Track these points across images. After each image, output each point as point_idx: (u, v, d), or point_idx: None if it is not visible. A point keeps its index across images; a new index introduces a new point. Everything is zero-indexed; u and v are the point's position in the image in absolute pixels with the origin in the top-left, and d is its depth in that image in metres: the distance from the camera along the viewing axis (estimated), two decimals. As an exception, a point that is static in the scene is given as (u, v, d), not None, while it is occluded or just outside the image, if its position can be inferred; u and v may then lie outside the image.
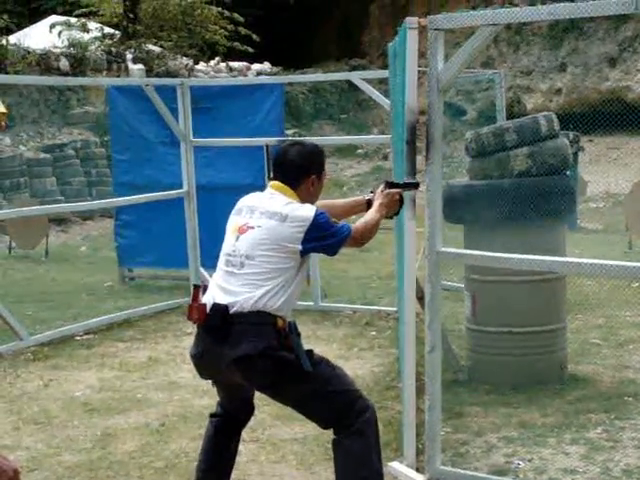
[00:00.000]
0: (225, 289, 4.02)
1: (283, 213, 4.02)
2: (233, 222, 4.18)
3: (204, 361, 4.08)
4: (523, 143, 6.27)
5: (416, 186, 4.46)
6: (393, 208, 4.35)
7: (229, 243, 4.12)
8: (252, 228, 4.05)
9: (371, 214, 4.27)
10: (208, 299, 4.05)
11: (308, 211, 4.03)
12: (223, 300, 3.98)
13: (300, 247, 3.99)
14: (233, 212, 4.23)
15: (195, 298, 4.08)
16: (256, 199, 4.19)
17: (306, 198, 4.16)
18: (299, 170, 4.17)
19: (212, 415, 4.38)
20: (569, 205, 6.53)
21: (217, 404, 4.39)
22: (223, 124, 9.73)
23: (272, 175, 4.27)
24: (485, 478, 4.63)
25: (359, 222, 4.19)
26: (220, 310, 3.96)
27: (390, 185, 4.36)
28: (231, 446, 4.36)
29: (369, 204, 4.44)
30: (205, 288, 4.14)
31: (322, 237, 4.03)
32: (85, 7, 23.47)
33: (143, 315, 9.05)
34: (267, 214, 4.05)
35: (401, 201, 4.37)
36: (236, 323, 3.94)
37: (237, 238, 4.08)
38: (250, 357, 3.90)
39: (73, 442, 5.58)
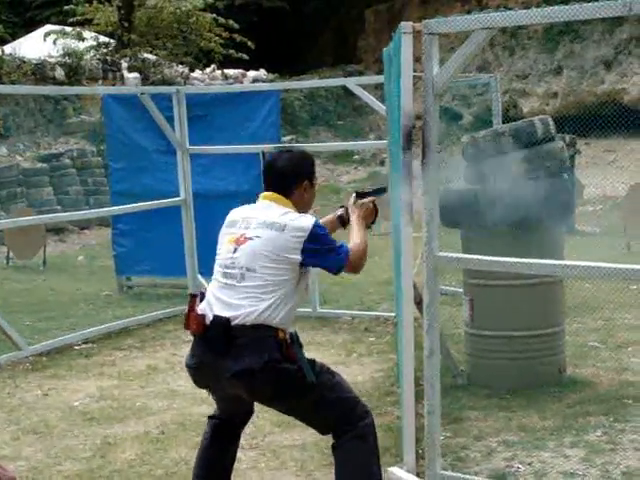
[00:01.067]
0: (225, 302, 3.98)
1: (282, 223, 3.99)
2: (227, 234, 4.14)
3: (202, 372, 4.06)
4: (519, 147, 6.28)
5: (384, 190, 4.48)
6: (370, 218, 4.37)
7: (226, 255, 4.07)
8: (251, 239, 4.01)
9: (356, 233, 4.24)
10: (206, 311, 4.01)
11: (307, 221, 4.01)
12: (223, 313, 3.94)
13: (299, 257, 3.97)
14: (225, 224, 4.20)
15: (192, 307, 4.05)
16: (250, 211, 4.16)
17: (301, 206, 4.15)
18: (291, 177, 4.15)
19: (211, 417, 4.37)
20: (566, 208, 6.54)
21: (215, 409, 4.38)
22: (219, 132, 9.74)
23: (264, 185, 4.22)
24: (485, 482, 4.62)
25: (350, 246, 4.14)
26: (221, 323, 3.92)
27: (359, 195, 4.38)
28: (230, 451, 4.34)
29: (341, 220, 4.45)
30: (202, 296, 4.12)
31: (321, 250, 4.00)
32: (80, 15, 23.47)
33: (141, 324, 9.04)
34: (265, 224, 4.01)
35: (375, 209, 4.38)
36: (238, 336, 3.90)
37: (235, 250, 4.03)
38: (252, 371, 3.87)
39: (73, 451, 5.57)
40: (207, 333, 3.96)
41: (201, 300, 4.08)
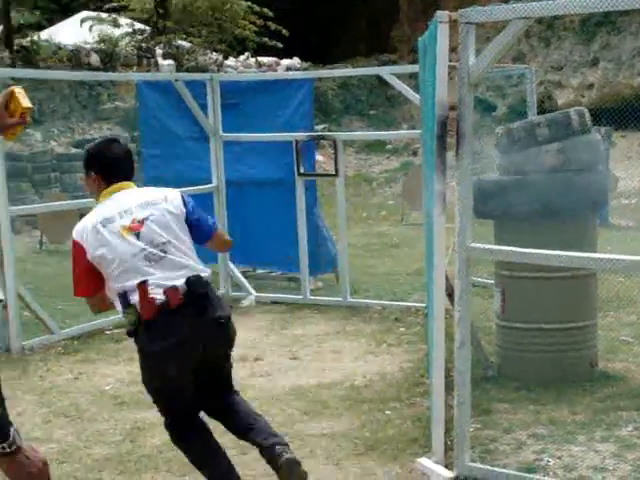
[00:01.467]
0: (171, 277, 4.08)
1: (160, 197, 4.24)
2: (113, 229, 4.13)
3: (193, 340, 4.08)
4: (554, 138, 6.22)
5: None
6: None
7: (132, 247, 4.10)
8: (146, 219, 4.15)
9: None
10: (158, 291, 4.07)
11: (173, 190, 4.36)
12: (176, 282, 4.07)
13: (185, 211, 4.27)
14: (96, 228, 4.17)
15: (144, 294, 4.07)
16: (118, 203, 4.21)
17: None
18: (132, 162, 4.41)
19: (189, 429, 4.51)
20: (600, 201, 6.48)
21: (171, 423, 4.58)
22: (252, 119, 9.72)
23: (111, 175, 4.30)
24: (514, 475, 4.60)
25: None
26: (199, 277, 4.10)
27: None
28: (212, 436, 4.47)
29: None
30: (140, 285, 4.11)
31: (195, 208, 4.36)
32: (116, 2, 23.57)
33: (172, 309, 9.05)
34: (147, 204, 4.19)
35: None
36: (207, 290, 4.14)
37: (138, 235, 4.12)
38: (229, 317, 4.23)
39: (102, 435, 5.61)
40: (193, 294, 4.05)
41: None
